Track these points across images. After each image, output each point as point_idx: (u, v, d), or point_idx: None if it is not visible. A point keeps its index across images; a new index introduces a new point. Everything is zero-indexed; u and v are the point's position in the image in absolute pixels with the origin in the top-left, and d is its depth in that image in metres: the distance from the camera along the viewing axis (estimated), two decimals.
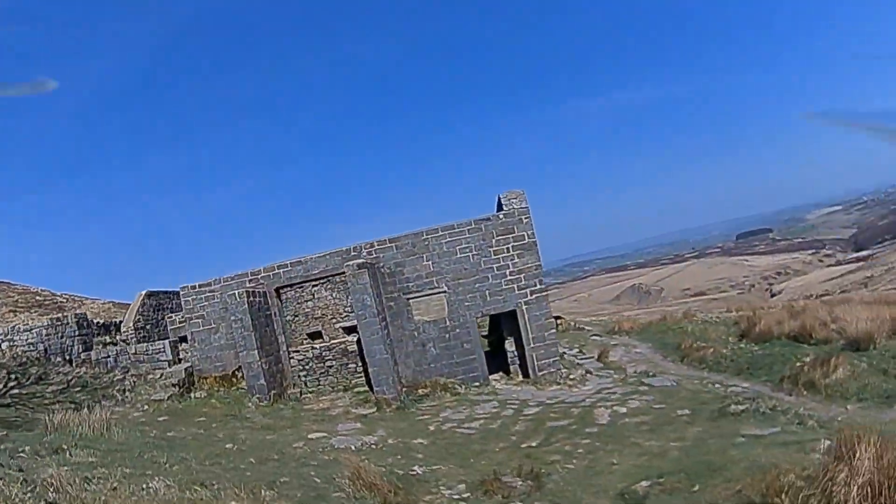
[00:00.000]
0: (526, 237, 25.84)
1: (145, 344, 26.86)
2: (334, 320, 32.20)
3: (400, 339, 25.72)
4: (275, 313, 25.77)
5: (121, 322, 31.77)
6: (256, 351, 23.73)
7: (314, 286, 32.28)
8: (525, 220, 25.93)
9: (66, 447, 13.00)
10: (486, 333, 32.39)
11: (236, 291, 23.91)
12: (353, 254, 25.69)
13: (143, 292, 32.45)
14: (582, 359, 30.31)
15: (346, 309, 32.19)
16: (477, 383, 25.41)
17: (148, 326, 31.65)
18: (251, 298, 24.28)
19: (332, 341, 26.42)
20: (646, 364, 28.71)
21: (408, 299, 25.76)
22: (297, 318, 32.36)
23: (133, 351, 26.38)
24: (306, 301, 32.30)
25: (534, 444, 17.75)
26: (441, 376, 25.52)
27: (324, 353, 25.66)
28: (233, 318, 23.91)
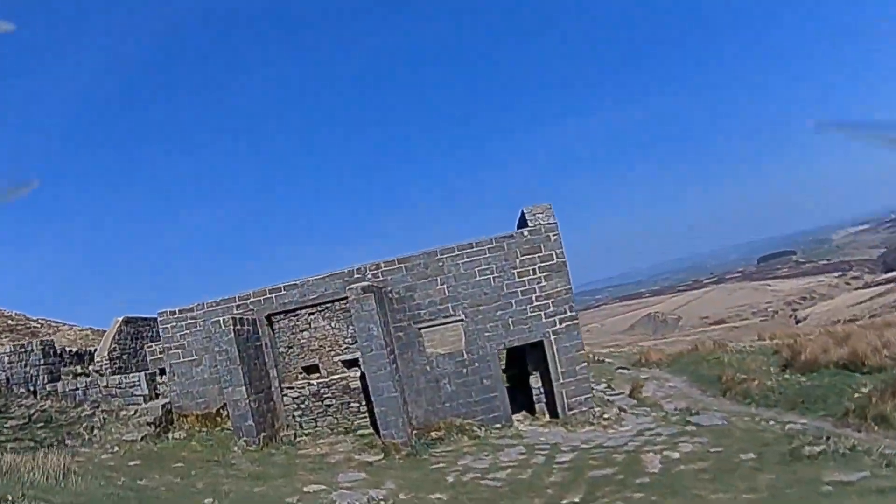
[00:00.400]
0: (554, 256, 23.71)
1: (119, 376, 24.52)
2: (333, 353, 29.88)
3: (410, 374, 23.43)
4: (266, 344, 23.45)
5: (95, 351, 29.47)
6: (244, 387, 21.40)
7: (310, 314, 29.95)
8: (553, 238, 23.79)
9: (10, 498, 11.07)
10: (503, 367, 29.89)
11: (221, 318, 21.61)
12: (356, 276, 23.44)
13: (121, 318, 30.37)
14: (612, 395, 28.32)
15: (347, 340, 29.88)
16: (498, 425, 23.27)
17: (125, 356, 29.61)
18: (238, 327, 21.96)
19: (332, 377, 24.11)
20: (684, 400, 26.95)
21: (419, 329, 23.53)
22: (290, 350, 30.06)
23: (104, 384, 24.05)
24: (301, 331, 30.00)
25: (576, 500, 15.41)
26: (457, 417, 23.35)
27: (322, 391, 23.33)
28: (217, 348, 21.62)
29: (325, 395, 23.44)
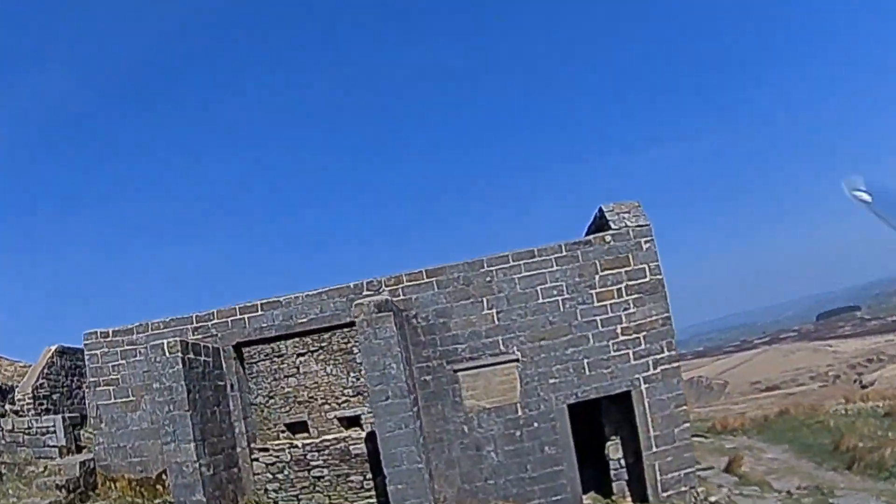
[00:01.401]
0: (647, 272, 18.87)
1: (26, 418, 19.11)
2: (328, 407, 24.56)
3: (440, 436, 18.46)
4: (231, 385, 18.17)
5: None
6: (193, 444, 16.20)
7: (300, 355, 24.54)
8: (646, 245, 18.97)
9: None
10: None
11: (164, 342, 16.06)
12: (367, 293, 18.02)
13: (53, 348, 25.63)
14: (701, 469, 22.79)
15: (348, 391, 24.53)
16: None
17: (55, 395, 25.47)
18: (190, 355, 16.78)
19: (326, 437, 18.62)
20: (797, 476, 23.10)
21: (455, 372, 18.55)
22: (271, 402, 24.67)
23: (9, 427, 18.57)
24: (286, 377, 24.67)
25: None
26: (506, 499, 18.19)
27: (310, 456, 18.13)
28: (157, 384, 16.23)
29: (315, 463, 18.09)
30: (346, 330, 24.22)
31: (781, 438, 29.60)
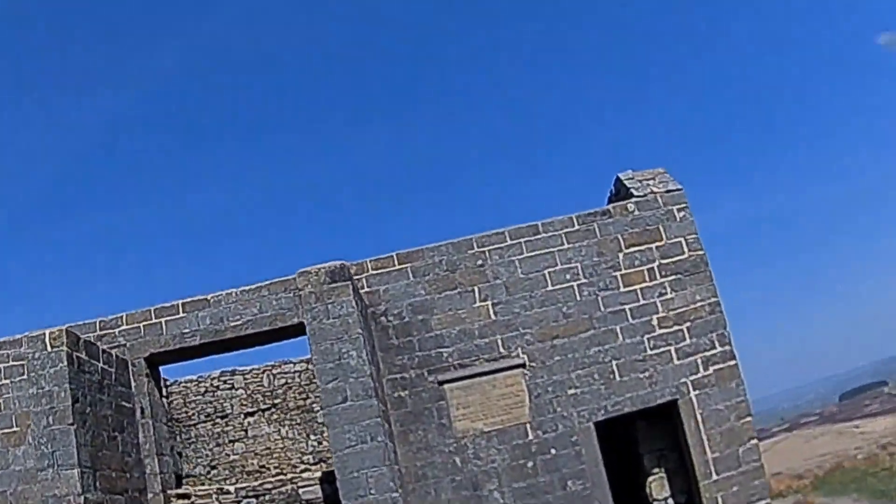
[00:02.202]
0: (685, 247, 15.15)
1: None
2: (283, 475, 20.26)
3: (422, 472, 14.11)
4: (142, 410, 14.03)
5: None
6: (79, 470, 11.74)
7: (247, 414, 20.40)
8: (680, 215, 15.28)
9: None
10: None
11: (47, 331, 12.32)
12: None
13: None
14: None
15: (307, 457, 20.24)
16: None
17: None
18: (82, 355, 12.66)
19: (268, 479, 14.46)
20: None
21: (440, 384, 14.40)
22: (213, 474, 20.50)
23: None
24: (232, 441, 20.34)
25: None
26: None
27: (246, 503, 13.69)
28: (34, 389, 12.16)
29: None
30: (303, 384, 20.17)
31: (845, 490, 28.82)
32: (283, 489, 13.93)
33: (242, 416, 20.57)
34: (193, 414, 20.60)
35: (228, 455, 20.44)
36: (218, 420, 20.56)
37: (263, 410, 20.66)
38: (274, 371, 20.66)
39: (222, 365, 20.92)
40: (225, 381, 20.85)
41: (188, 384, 20.85)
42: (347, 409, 12.41)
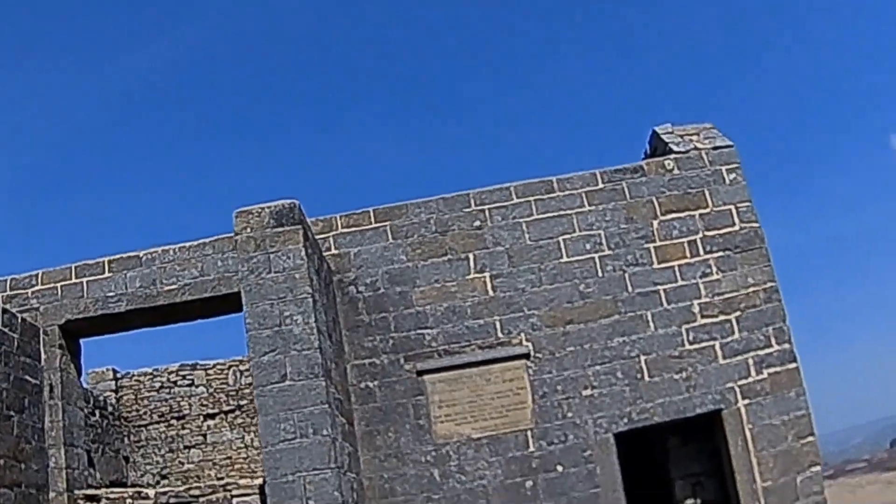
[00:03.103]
0: (735, 217, 12.20)
1: None
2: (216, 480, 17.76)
3: (391, 486, 11.22)
4: (51, 388, 11.37)
5: None
6: None
7: (206, 417, 17.80)
8: (731, 177, 12.36)
9: None
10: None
11: None
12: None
13: None
14: None
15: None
16: None
17: None
18: None
19: (195, 485, 11.69)
20: None
21: (419, 375, 11.54)
22: (164, 483, 17.96)
23: None
24: (189, 447, 17.67)
25: None
26: None
27: None
28: None
29: None
30: None
31: None
32: (213, 497, 11.02)
33: (201, 418, 18.00)
34: (145, 413, 17.96)
35: (182, 463, 17.86)
36: (173, 421, 18.03)
37: (226, 413, 18.10)
38: (241, 367, 17.83)
39: (183, 358, 18.30)
40: (184, 377, 18.14)
41: (141, 378, 18.15)
42: (286, 391, 9.49)
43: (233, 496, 11.00)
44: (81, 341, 12.52)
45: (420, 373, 11.33)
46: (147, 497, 11.10)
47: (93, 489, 11.94)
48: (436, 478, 11.02)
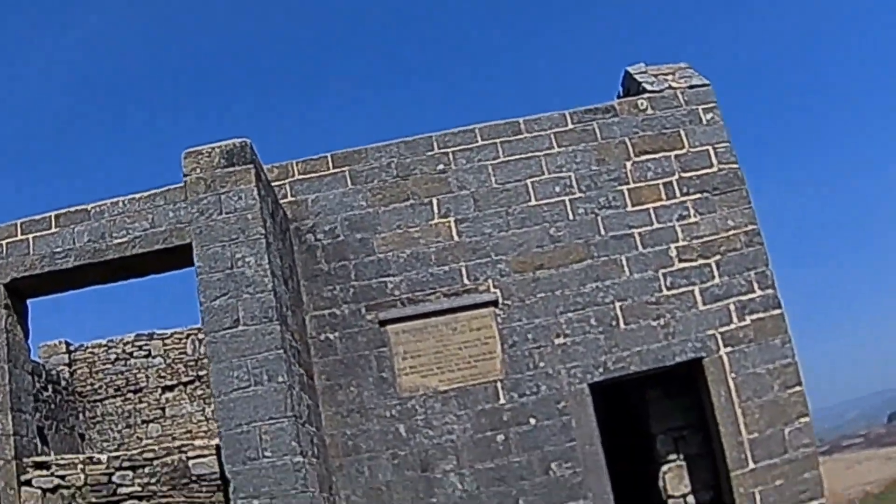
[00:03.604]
0: (713, 158, 11.76)
1: None
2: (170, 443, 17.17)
3: (354, 443, 10.78)
4: None
5: None
6: None
7: (166, 389, 17.16)
8: (707, 117, 11.88)
9: None
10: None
11: None
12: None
13: None
14: None
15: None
16: None
17: None
18: None
19: (149, 447, 11.05)
20: None
21: (381, 325, 11.04)
22: None
23: None
24: (147, 421, 16.97)
25: None
26: None
27: (118, 478, 10.38)
28: None
29: (126, 491, 10.27)
30: None
31: None
32: (167, 459, 10.42)
33: (160, 390, 17.33)
34: (101, 387, 17.25)
35: (140, 439, 17.17)
36: (130, 395, 17.34)
37: (185, 384, 17.48)
38: (200, 336, 17.11)
39: (139, 327, 17.63)
40: (140, 348, 17.41)
41: (95, 350, 17.40)
42: (238, 337, 9.00)
43: (188, 458, 10.42)
44: (29, 303, 11.93)
45: (382, 323, 10.82)
46: (99, 462, 10.48)
47: (43, 456, 11.33)
48: (401, 433, 10.53)
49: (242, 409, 8.85)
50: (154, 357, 17.44)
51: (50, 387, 15.86)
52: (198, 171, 9.52)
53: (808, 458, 10.74)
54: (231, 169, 9.51)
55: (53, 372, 16.34)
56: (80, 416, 16.80)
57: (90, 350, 17.55)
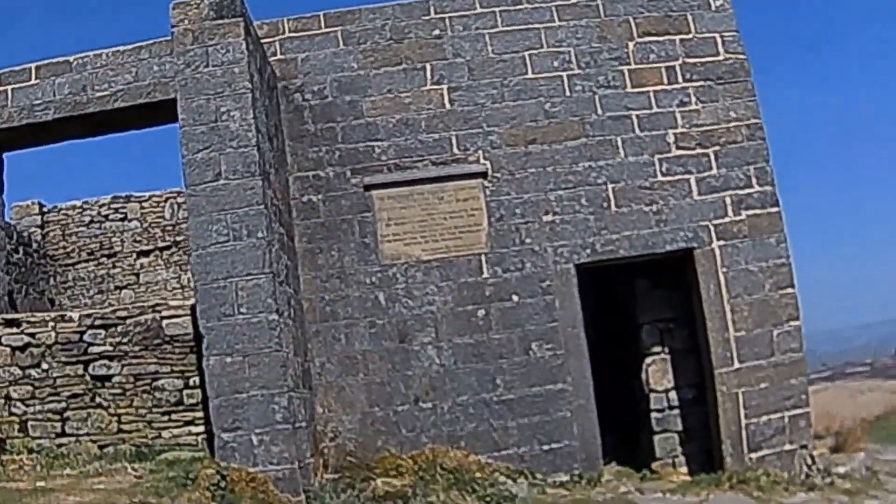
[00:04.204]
0: (719, 45, 11.41)
1: None
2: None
3: (332, 309, 10.76)
4: None
5: None
6: None
7: (140, 254, 16.88)
8: (717, 2, 11.53)
9: None
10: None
11: None
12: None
13: None
14: None
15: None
16: (566, 477, 10.45)
17: None
18: None
19: (122, 306, 11.04)
20: None
21: (366, 190, 10.96)
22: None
23: None
24: (120, 288, 16.73)
25: None
26: (455, 441, 10.50)
27: (89, 338, 10.26)
28: None
29: (97, 350, 10.12)
30: None
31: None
32: (140, 318, 10.23)
33: (134, 255, 16.97)
34: (73, 251, 16.88)
35: (113, 305, 16.94)
36: (103, 260, 17.00)
37: (161, 250, 17.19)
38: (179, 199, 16.70)
39: (116, 189, 17.23)
40: (116, 210, 16.99)
41: (69, 212, 16.99)
42: (219, 191, 8.85)
43: (162, 318, 10.25)
44: (5, 156, 11.64)
45: (368, 187, 10.69)
46: (71, 320, 10.29)
47: (13, 314, 11.15)
48: (381, 301, 10.48)
49: (220, 264, 8.77)
50: (130, 221, 17.02)
51: (21, 249, 15.55)
52: (185, 22, 9.31)
53: (796, 364, 10.70)
54: (219, 21, 9.29)
55: (25, 234, 15.99)
56: (51, 280, 16.52)
57: (64, 212, 17.15)
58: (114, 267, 17.12)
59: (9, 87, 10.82)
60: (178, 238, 16.82)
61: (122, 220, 17.11)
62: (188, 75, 9.12)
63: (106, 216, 17.12)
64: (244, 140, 8.90)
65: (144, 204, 17.22)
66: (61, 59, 10.89)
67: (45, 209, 17.04)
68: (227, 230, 8.75)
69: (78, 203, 17.29)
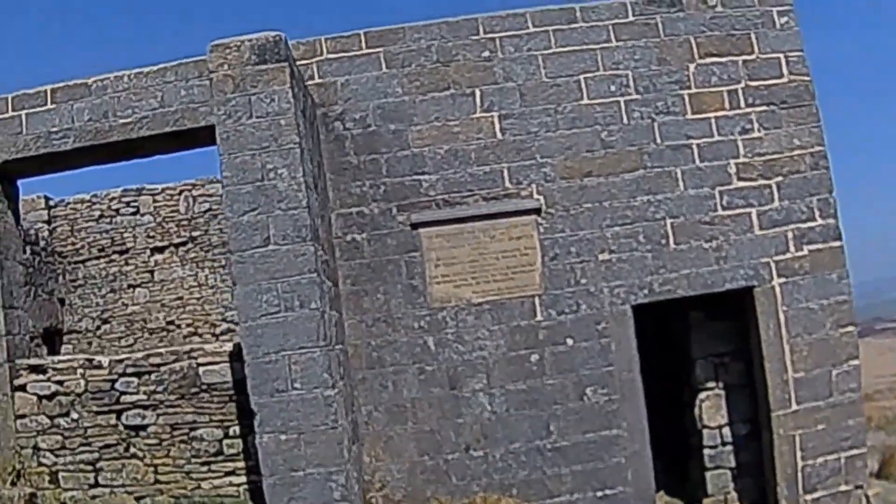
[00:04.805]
0: (784, 67, 10.80)
1: None
2: (198, 338, 16.51)
3: (378, 356, 10.29)
4: None
5: None
6: None
7: (155, 250, 16.31)
8: (782, 20, 10.89)
9: None
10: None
11: None
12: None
13: None
14: None
15: (233, 312, 16.39)
16: None
17: None
18: None
19: (155, 350, 10.54)
20: None
21: (413, 228, 10.40)
22: (104, 330, 16.70)
23: None
24: (133, 286, 16.21)
25: None
26: (507, 488, 10.11)
27: (122, 385, 10.01)
28: None
29: (130, 399, 9.74)
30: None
31: None
32: (175, 366, 9.81)
33: (148, 252, 16.33)
34: (83, 247, 16.16)
35: (126, 305, 16.31)
36: (115, 257, 16.37)
37: (177, 246, 16.53)
38: (195, 192, 16.02)
39: (126, 182, 16.55)
40: (127, 204, 16.21)
41: (78, 206, 16.22)
42: (268, 257, 8.26)
43: (199, 364, 9.81)
44: (19, 182, 11.06)
45: (415, 225, 10.10)
46: (100, 366, 9.85)
47: (37, 358, 10.65)
48: (430, 346, 10.01)
49: (271, 337, 8.23)
50: (143, 215, 16.31)
51: (27, 248, 14.97)
52: (225, 67, 8.49)
53: (854, 404, 10.38)
54: (263, 67, 8.51)
55: (31, 231, 15.32)
56: (60, 279, 15.88)
57: (72, 206, 16.34)
58: (126, 264, 16.46)
59: (22, 113, 10.22)
60: (195, 233, 16.18)
61: (133, 214, 16.37)
62: (230, 127, 8.42)
63: (117, 210, 16.38)
64: (293, 201, 8.29)
65: (157, 197, 16.42)
66: (79, 81, 10.29)
67: (51, 203, 16.25)
68: (277, 300, 8.22)
69: (87, 196, 16.48)
